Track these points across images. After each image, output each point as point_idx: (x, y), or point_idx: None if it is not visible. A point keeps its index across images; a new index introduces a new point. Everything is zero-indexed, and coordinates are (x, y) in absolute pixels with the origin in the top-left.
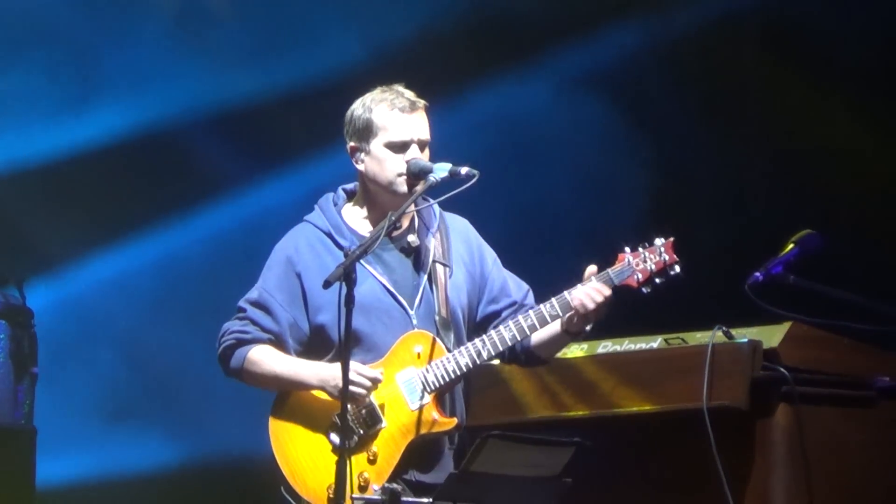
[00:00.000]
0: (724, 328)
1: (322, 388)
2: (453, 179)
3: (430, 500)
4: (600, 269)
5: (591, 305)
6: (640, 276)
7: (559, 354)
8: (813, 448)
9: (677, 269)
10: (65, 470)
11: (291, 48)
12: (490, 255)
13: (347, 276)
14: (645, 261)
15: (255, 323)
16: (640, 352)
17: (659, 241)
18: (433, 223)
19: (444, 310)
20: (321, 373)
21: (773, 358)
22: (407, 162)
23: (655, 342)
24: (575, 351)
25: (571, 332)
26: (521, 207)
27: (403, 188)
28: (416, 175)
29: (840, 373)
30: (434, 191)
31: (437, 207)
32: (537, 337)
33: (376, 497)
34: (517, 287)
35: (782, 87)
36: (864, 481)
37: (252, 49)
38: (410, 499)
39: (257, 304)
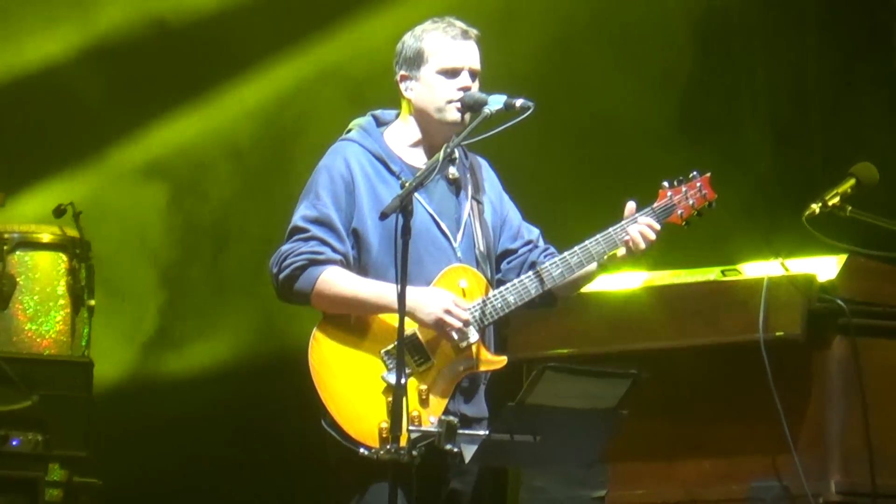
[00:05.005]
0: (781, 259)
1: (411, 314)
2: (508, 112)
3: (487, 432)
4: (638, 206)
5: (642, 244)
6: (682, 212)
7: (614, 288)
8: (869, 380)
9: (714, 204)
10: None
11: None
12: (505, 194)
13: (405, 208)
14: (686, 197)
15: (325, 243)
16: (697, 284)
17: (696, 176)
18: (465, 159)
19: (483, 245)
20: (416, 297)
21: (829, 290)
22: (461, 96)
23: (712, 274)
24: (632, 283)
25: (607, 268)
26: None
27: (454, 115)
28: (470, 107)
29: None
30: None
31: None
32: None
33: (433, 429)
34: (529, 228)
35: None
36: None
37: None
38: (466, 430)
39: (321, 223)
